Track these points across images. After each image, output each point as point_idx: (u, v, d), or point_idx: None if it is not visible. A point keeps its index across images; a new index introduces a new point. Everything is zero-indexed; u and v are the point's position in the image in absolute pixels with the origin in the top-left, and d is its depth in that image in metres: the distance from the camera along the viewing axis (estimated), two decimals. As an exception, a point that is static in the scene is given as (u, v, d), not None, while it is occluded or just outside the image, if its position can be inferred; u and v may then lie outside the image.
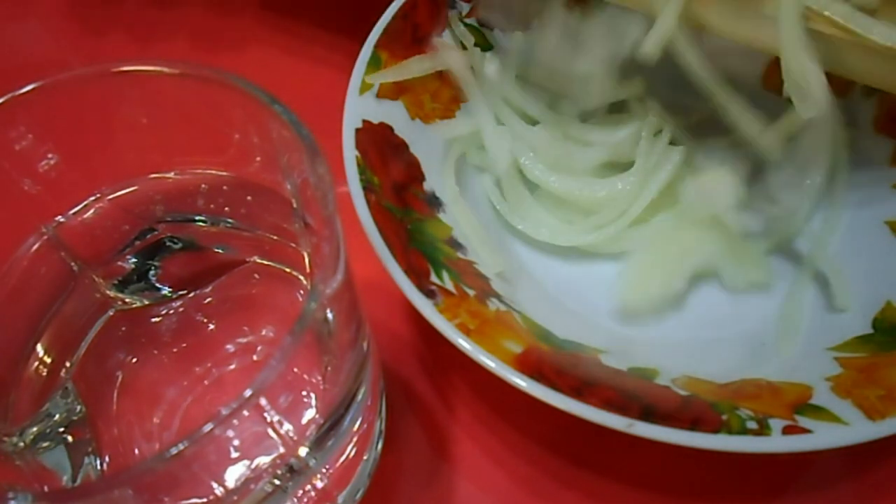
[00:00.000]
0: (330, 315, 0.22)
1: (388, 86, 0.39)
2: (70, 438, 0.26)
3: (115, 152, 0.27)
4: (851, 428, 0.27)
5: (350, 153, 0.35)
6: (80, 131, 0.27)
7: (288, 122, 0.23)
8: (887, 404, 0.28)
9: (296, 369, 0.21)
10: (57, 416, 0.26)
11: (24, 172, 0.25)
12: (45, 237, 0.27)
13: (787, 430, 0.27)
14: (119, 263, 0.28)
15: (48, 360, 0.27)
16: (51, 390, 0.26)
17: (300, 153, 0.23)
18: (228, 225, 0.29)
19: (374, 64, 0.39)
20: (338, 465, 0.27)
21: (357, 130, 0.36)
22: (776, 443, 0.27)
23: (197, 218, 0.29)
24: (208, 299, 0.29)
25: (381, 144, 0.37)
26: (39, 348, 0.27)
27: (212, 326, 0.29)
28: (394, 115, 0.38)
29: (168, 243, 0.29)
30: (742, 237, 0.35)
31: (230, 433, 0.19)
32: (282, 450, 0.23)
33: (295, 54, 0.52)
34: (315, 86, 0.42)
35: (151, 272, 0.29)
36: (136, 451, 0.26)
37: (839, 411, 0.28)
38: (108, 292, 0.28)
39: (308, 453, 0.24)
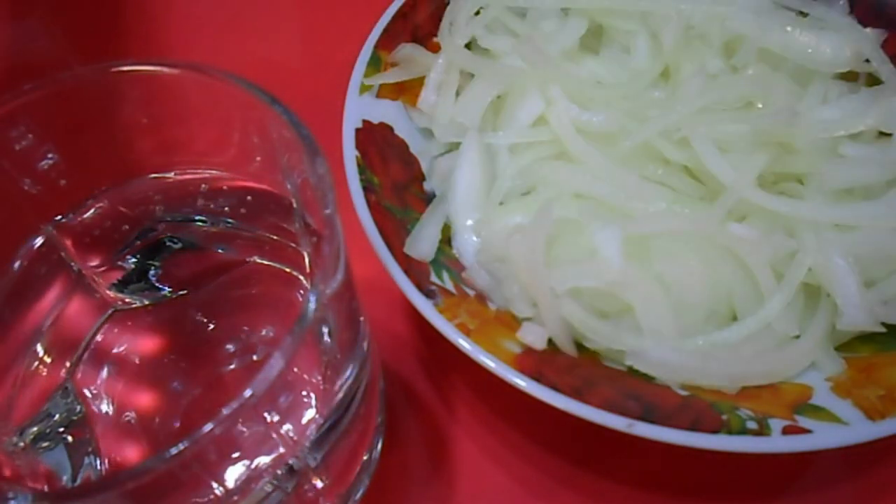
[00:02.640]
0: (330, 315, 0.22)
1: (387, 86, 0.39)
2: (70, 438, 0.26)
3: (115, 152, 0.27)
4: (851, 428, 0.27)
5: (350, 153, 0.35)
6: (80, 131, 0.27)
7: (288, 122, 0.23)
8: (887, 404, 0.28)
9: (296, 369, 0.21)
10: (57, 416, 0.26)
11: (25, 172, 0.25)
12: (45, 237, 0.27)
13: (787, 430, 0.27)
14: (119, 263, 0.28)
15: (48, 360, 0.27)
16: (51, 390, 0.26)
17: (300, 153, 0.23)
18: (228, 225, 0.29)
19: (374, 64, 0.39)
20: (338, 464, 0.27)
21: (357, 130, 0.36)
22: (776, 443, 0.27)
23: (197, 218, 0.29)
24: (209, 299, 0.29)
25: (381, 144, 0.37)
26: (39, 348, 0.27)
27: (212, 326, 0.29)
28: (394, 115, 0.38)
29: (168, 243, 0.29)
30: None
31: (230, 433, 0.19)
32: (282, 450, 0.23)
33: (295, 54, 0.52)
34: (315, 86, 0.42)
35: (151, 272, 0.29)
36: (136, 451, 0.26)
37: (839, 411, 0.28)
38: (108, 292, 0.28)
39: (308, 453, 0.24)
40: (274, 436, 0.22)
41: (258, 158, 0.27)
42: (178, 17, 0.55)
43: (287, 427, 0.22)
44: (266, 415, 0.20)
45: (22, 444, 0.25)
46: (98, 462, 0.25)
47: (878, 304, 0.31)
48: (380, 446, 0.32)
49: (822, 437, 0.27)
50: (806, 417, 0.28)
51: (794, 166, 0.34)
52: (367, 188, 0.34)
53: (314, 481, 0.26)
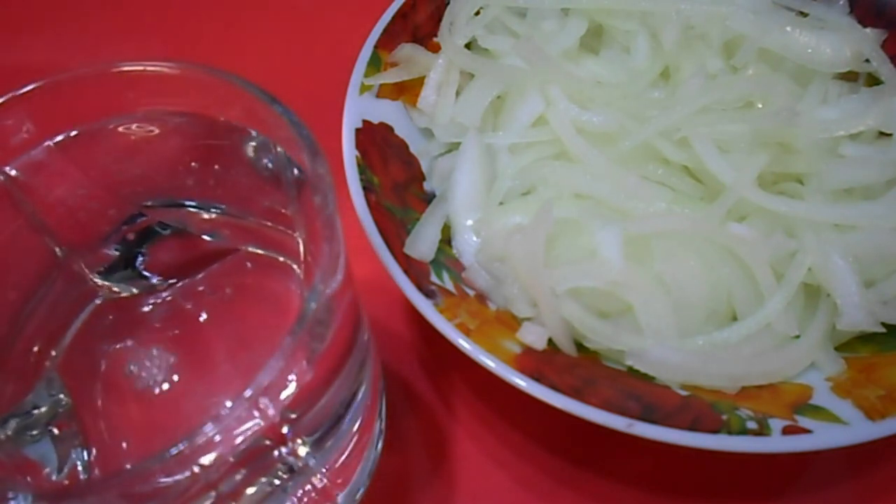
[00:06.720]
0: (330, 315, 0.22)
1: (387, 86, 0.39)
2: (55, 431, 0.25)
3: (112, 147, 0.27)
4: (851, 428, 0.27)
5: (350, 153, 0.35)
6: (77, 129, 0.26)
7: (288, 122, 0.23)
8: (887, 404, 0.28)
9: (296, 369, 0.21)
10: (42, 408, 0.25)
11: (19, 165, 0.25)
12: (28, 221, 0.26)
13: (787, 430, 0.27)
14: (105, 250, 0.28)
15: (32, 350, 0.26)
16: (35, 380, 0.26)
17: (300, 153, 0.23)
18: (220, 211, 0.28)
19: (374, 64, 0.39)
20: (338, 465, 0.27)
21: (357, 130, 0.36)
22: (776, 443, 0.27)
23: (187, 203, 0.28)
24: (199, 288, 0.29)
25: (381, 144, 0.37)
26: (23, 337, 0.26)
27: (202, 316, 0.28)
28: (394, 115, 0.38)
29: (157, 229, 0.28)
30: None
31: (230, 433, 0.19)
32: (282, 449, 0.23)
33: (295, 54, 0.52)
34: (315, 86, 0.42)
35: (139, 259, 0.28)
36: (124, 444, 0.26)
37: (839, 411, 0.28)
38: (94, 279, 0.27)
39: (308, 453, 0.24)
40: (272, 435, 0.22)
41: (254, 144, 0.26)
42: (179, 17, 0.55)
43: (287, 427, 0.22)
44: (266, 414, 0.20)
45: (3, 435, 0.24)
46: (85, 455, 0.25)
47: (878, 304, 0.31)
48: (380, 446, 0.32)
49: (822, 437, 0.27)
50: (806, 417, 0.28)
51: (794, 166, 0.34)
52: (367, 188, 0.34)
53: (314, 481, 0.26)
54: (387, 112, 0.38)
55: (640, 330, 0.31)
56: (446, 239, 0.35)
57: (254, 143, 0.26)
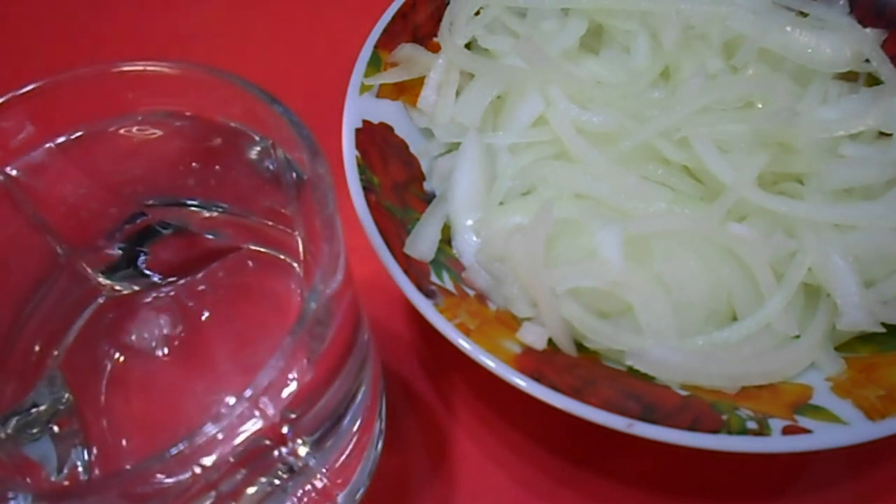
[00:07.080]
0: (330, 315, 0.22)
1: (387, 86, 0.39)
2: (56, 429, 0.25)
3: (112, 147, 0.27)
4: (851, 428, 0.27)
5: (350, 153, 0.35)
6: (77, 129, 0.26)
7: (288, 122, 0.23)
8: (887, 404, 0.28)
9: (296, 369, 0.21)
10: (42, 406, 0.25)
11: (19, 164, 0.25)
12: (29, 220, 0.26)
13: (787, 430, 0.27)
14: (107, 249, 0.28)
15: (34, 348, 0.26)
16: (36, 379, 0.26)
17: (300, 153, 0.23)
18: (221, 210, 0.28)
19: (374, 64, 0.39)
20: (338, 465, 0.27)
21: (357, 130, 0.36)
22: (776, 443, 0.27)
23: (188, 202, 0.28)
24: (200, 287, 0.29)
25: (381, 144, 0.37)
26: (25, 335, 0.26)
27: (204, 315, 0.28)
28: (394, 115, 0.38)
29: (158, 228, 0.28)
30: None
31: (230, 432, 0.19)
32: (282, 449, 0.23)
33: (295, 54, 0.52)
34: (315, 86, 0.42)
35: (140, 258, 0.28)
36: (125, 443, 0.26)
37: (839, 411, 0.28)
38: (96, 278, 0.28)
39: (308, 453, 0.24)
40: (272, 435, 0.22)
41: (256, 149, 0.27)
42: (179, 16, 0.55)
43: (287, 427, 0.22)
44: (266, 414, 0.20)
45: (3, 434, 0.24)
46: (86, 454, 0.25)
47: (878, 304, 0.31)
48: (380, 446, 0.32)
49: (822, 437, 0.27)
50: (806, 417, 0.28)
51: (794, 166, 0.34)
52: (367, 188, 0.34)
53: (314, 481, 0.26)
54: (387, 112, 0.38)
55: (640, 330, 0.31)
56: (446, 239, 0.35)
57: (254, 144, 0.26)
